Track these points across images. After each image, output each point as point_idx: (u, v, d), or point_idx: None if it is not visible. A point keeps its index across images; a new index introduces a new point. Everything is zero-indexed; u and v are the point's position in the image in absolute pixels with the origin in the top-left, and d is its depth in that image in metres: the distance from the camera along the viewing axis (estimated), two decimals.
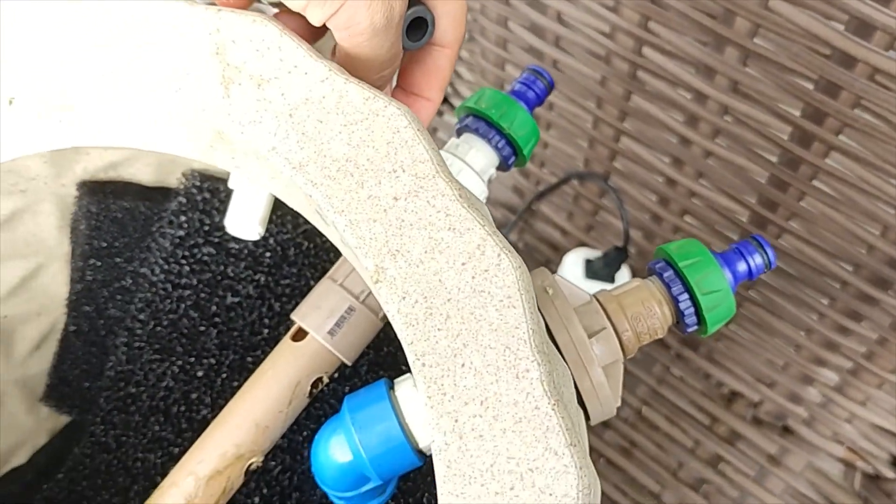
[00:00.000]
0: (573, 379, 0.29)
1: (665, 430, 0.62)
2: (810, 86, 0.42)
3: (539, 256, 0.68)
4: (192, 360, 0.42)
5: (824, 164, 0.45)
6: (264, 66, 0.24)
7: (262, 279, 0.41)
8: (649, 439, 0.62)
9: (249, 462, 0.32)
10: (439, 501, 0.20)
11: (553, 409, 0.20)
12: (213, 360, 0.41)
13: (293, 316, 0.33)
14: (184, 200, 0.39)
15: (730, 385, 0.63)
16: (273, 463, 0.40)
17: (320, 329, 0.32)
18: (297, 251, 0.41)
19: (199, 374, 0.42)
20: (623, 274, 0.59)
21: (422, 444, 0.30)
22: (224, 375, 0.41)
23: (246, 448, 0.31)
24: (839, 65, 0.40)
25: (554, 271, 0.33)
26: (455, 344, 0.21)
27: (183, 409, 0.42)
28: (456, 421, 0.20)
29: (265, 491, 0.39)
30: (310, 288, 0.38)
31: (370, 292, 0.33)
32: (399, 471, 0.31)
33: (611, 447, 0.62)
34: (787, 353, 0.58)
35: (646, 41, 0.48)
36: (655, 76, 0.50)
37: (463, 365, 0.21)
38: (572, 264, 0.61)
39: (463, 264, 0.21)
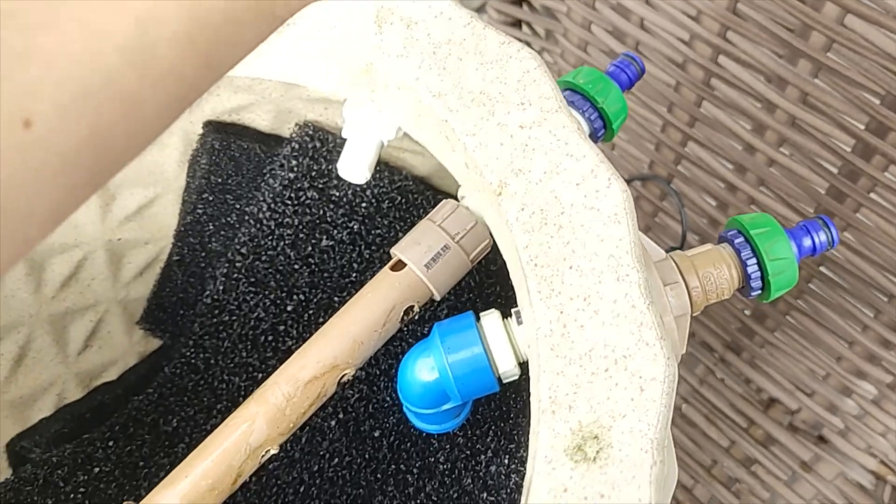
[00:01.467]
0: None
1: (702, 428, 0.65)
2: (877, 100, 0.46)
3: None
4: (284, 294, 0.46)
5: (883, 177, 0.48)
6: (414, 9, 0.28)
7: (356, 227, 0.45)
8: (686, 435, 0.65)
9: (343, 373, 0.35)
10: (538, 381, 0.24)
11: (648, 308, 0.23)
12: (302, 297, 0.45)
13: (393, 250, 0.37)
14: (296, 146, 0.43)
15: (769, 391, 0.65)
16: (351, 392, 0.43)
17: (418, 262, 0.36)
18: (391, 204, 0.45)
19: (289, 308, 0.46)
20: None
21: (501, 370, 0.34)
22: (311, 311, 0.45)
23: (342, 360, 0.35)
24: None
25: None
26: (565, 250, 0.24)
27: (270, 338, 0.46)
28: (561, 313, 0.24)
29: (341, 416, 0.43)
30: (399, 238, 0.42)
31: (465, 234, 0.36)
32: (478, 393, 0.35)
33: None
34: (829, 364, 0.61)
35: (723, 50, 0.52)
36: (729, 84, 0.53)
37: (571, 267, 0.24)
38: None
39: (577, 185, 0.25)
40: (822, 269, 0.57)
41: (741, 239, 0.34)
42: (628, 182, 0.66)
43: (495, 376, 0.34)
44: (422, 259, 0.36)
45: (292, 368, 0.35)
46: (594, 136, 0.39)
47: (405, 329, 0.40)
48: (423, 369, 0.35)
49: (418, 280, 0.36)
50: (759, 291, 0.35)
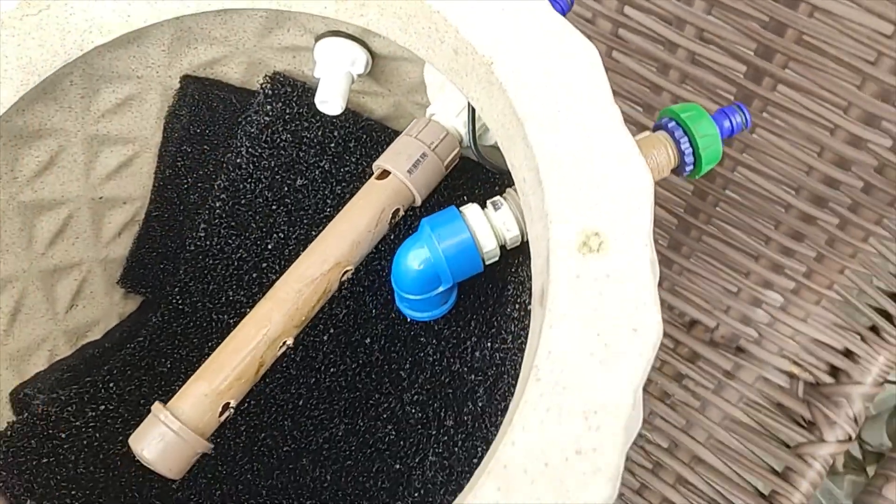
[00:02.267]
0: None
1: None
2: (761, 27, 0.54)
3: None
4: (264, 234, 0.49)
5: (773, 97, 0.56)
6: None
7: (327, 165, 0.49)
8: None
9: (345, 270, 0.40)
10: (546, 199, 0.29)
11: (628, 137, 0.29)
12: (281, 235, 0.49)
13: (378, 162, 0.42)
14: (269, 92, 0.47)
15: (690, 314, 0.73)
16: (339, 309, 0.48)
17: (402, 169, 0.41)
18: (357, 143, 0.49)
19: (270, 246, 0.49)
20: None
21: (485, 250, 0.39)
22: (291, 247, 0.49)
23: (343, 258, 0.39)
24: (785, 6, 0.51)
25: None
26: (554, 99, 0.30)
27: (255, 276, 0.50)
28: (556, 146, 0.29)
29: (332, 331, 0.47)
30: (366, 175, 0.46)
31: (439, 143, 0.42)
32: (467, 273, 0.40)
33: None
34: (739, 280, 0.69)
35: (628, 1, 0.59)
36: (634, 32, 0.61)
37: (559, 111, 0.30)
38: None
39: (555, 45, 0.31)
40: (727, 192, 0.65)
41: (673, 123, 0.41)
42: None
43: (480, 257, 0.40)
44: (404, 166, 0.41)
45: (300, 268, 0.40)
46: (682, 167, 0.42)
47: (392, 237, 0.45)
48: (416, 258, 0.40)
49: (402, 185, 0.41)
50: (692, 167, 0.41)
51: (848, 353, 0.68)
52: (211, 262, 0.50)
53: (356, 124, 0.49)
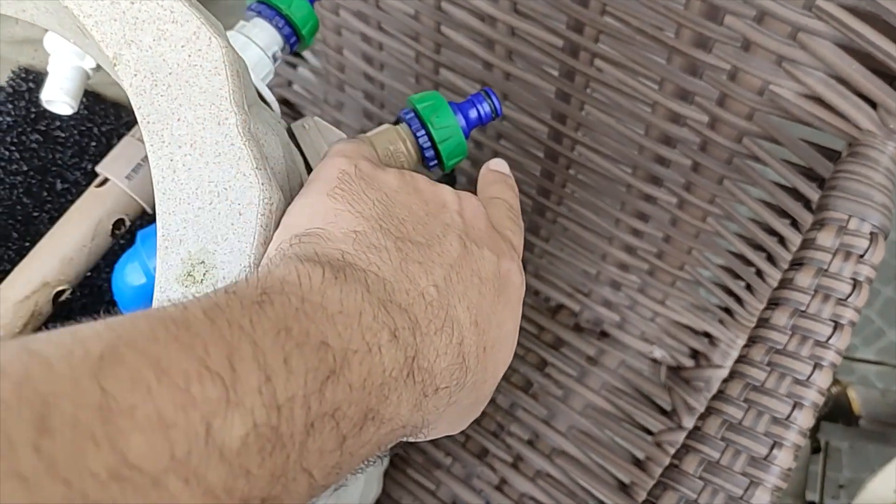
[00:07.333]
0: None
1: None
2: None
3: None
4: (28, 244, 0.46)
5: (591, 72, 0.52)
6: None
7: (89, 166, 0.45)
8: None
9: (55, 290, 0.36)
10: (157, 221, 0.26)
11: (244, 145, 0.26)
12: None
13: (97, 168, 0.38)
14: (10, 90, 0.43)
15: (555, 298, 0.70)
16: (78, 294, 0.44)
17: (118, 174, 0.37)
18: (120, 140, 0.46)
19: None
20: None
21: None
22: None
23: (52, 277, 0.36)
24: None
25: None
26: (173, 105, 0.26)
27: None
28: (171, 160, 0.26)
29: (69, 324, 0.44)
30: None
31: None
32: None
33: None
34: (597, 263, 0.66)
35: None
36: (458, 7, 0.57)
37: (178, 119, 0.26)
38: None
39: (182, 46, 0.27)
40: (570, 171, 0.61)
41: (412, 115, 0.37)
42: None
43: None
44: (122, 171, 0.38)
45: (2, 290, 0.36)
46: (287, 44, 0.42)
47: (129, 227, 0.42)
48: (131, 275, 0.37)
49: (122, 192, 0.38)
50: (435, 161, 0.38)
51: (707, 336, 0.65)
52: None
53: (119, 120, 0.46)
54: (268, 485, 0.18)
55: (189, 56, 0.27)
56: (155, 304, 0.25)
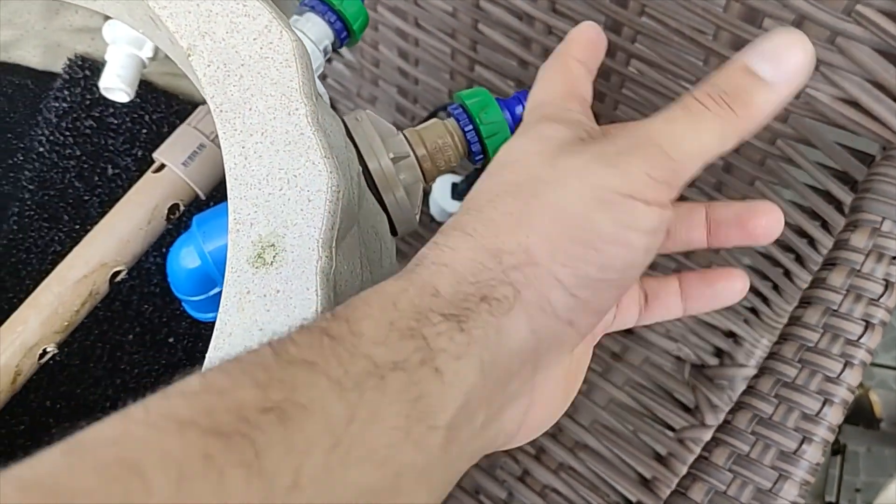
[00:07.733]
0: (380, 194, 0.36)
1: None
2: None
3: None
4: (78, 226, 0.47)
5: (628, 72, 0.53)
6: None
7: (140, 153, 0.47)
8: None
9: (113, 270, 0.38)
10: (229, 205, 0.27)
11: (314, 135, 0.27)
12: None
13: (154, 154, 0.40)
14: (67, 77, 0.45)
15: None
16: (146, 306, 0.46)
17: (175, 160, 0.39)
18: (170, 129, 0.47)
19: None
20: None
21: None
22: None
23: (109, 258, 0.37)
24: None
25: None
26: (245, 95, 0.28)
27: None
28: (243, 147, 0.27)
29: (138, 329, 0.46)
30: None
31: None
32: None
33: None
34: None
35: None
36: (496, 5, 0.58)
37: (250, 109, 0.28)
38: (441, 188, 0.68)
39: (254, 39, 0.28)
40: None
41: (460, 110, 0.39)
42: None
43: None
44: (179, 157, 0.39)
45: (62, 271, 0.38)
46: (338, 39, 0.43)
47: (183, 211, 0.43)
48: (186, 258, 0.38)
49: (177, 178, 0.39)
50: (482, 155, 0.39)
51: (732, 335, 0.66)
52: (24, 255, 0.48)
53: (169, 108, 0.47)
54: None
55: (261, 48, 0.28)
56: (226, 285, 0.26)
